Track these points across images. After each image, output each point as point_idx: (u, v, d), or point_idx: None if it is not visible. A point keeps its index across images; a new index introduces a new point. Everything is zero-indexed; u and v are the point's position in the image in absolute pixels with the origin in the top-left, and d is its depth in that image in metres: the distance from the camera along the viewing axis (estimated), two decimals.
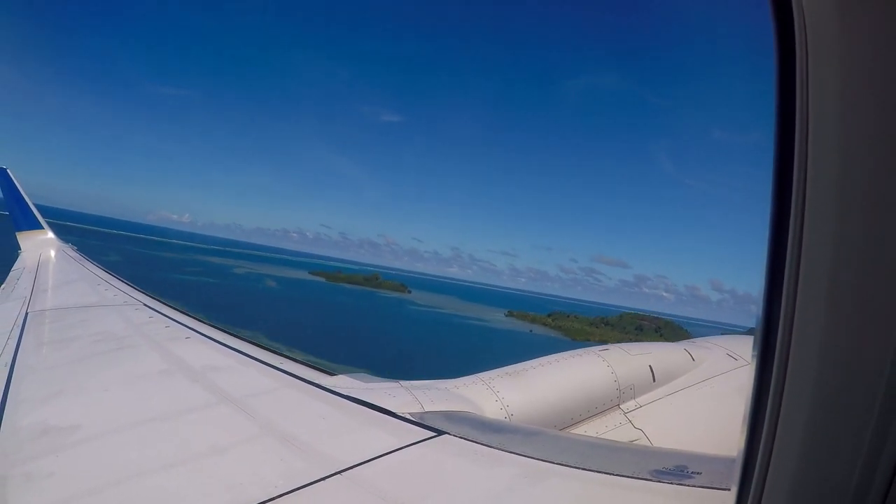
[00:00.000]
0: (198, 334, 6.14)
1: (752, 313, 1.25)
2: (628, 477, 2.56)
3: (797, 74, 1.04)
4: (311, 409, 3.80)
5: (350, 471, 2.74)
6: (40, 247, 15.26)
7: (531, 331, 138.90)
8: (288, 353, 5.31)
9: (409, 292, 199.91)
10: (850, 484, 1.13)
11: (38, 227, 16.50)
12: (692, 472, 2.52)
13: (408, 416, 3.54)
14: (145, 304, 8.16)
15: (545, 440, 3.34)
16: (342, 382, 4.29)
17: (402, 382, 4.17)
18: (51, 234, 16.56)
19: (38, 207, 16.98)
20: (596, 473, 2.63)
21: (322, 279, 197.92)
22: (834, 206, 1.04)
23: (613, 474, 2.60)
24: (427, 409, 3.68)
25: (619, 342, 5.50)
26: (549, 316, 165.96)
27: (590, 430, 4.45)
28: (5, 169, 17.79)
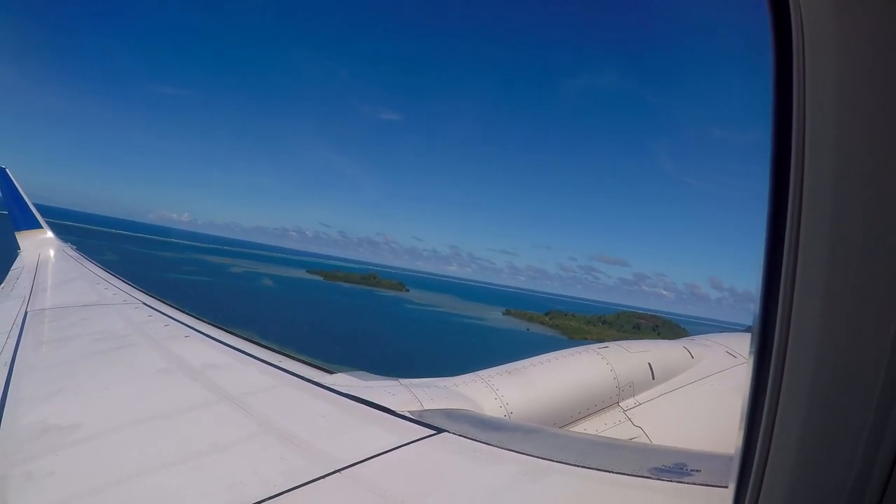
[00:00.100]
0: (197, 333, 6.14)
1: (752, 311, 1.24)
2: (627, 475, 2.56)
3: (794, 74, 1.04)
4: (311, 407, 3.80)
5: (349, 469, 2.74)
6: (39, 246, 15.25)
7: (528, 329, 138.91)
8: (287, 352, 5.31)
9: (407, 291, 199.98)
10: (847, 481, 1.13)
11: (38, 226, 16.48)
12: (691, 470, 2.53)
13: (407, 415, 3.55)
14: (144, 303, 8.16)
15: (544, 438, 3.35)
16: (341, 381, 4.29)
17: (401, 381, 4.17)
18: (50, 234, 16.55)
19: (37, 207, 16.96)
20: (595, 471, 2.64)
21: (320, 278, 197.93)
22: (831, 205, 1.04)
23: (613, 472, 2.60)
24: (426, 407, 3.68)
25: (615, 341, 5.51)
26: (546, 314, 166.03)
27: (589, 427, 4.46)
28: (4, 168, 17.76)
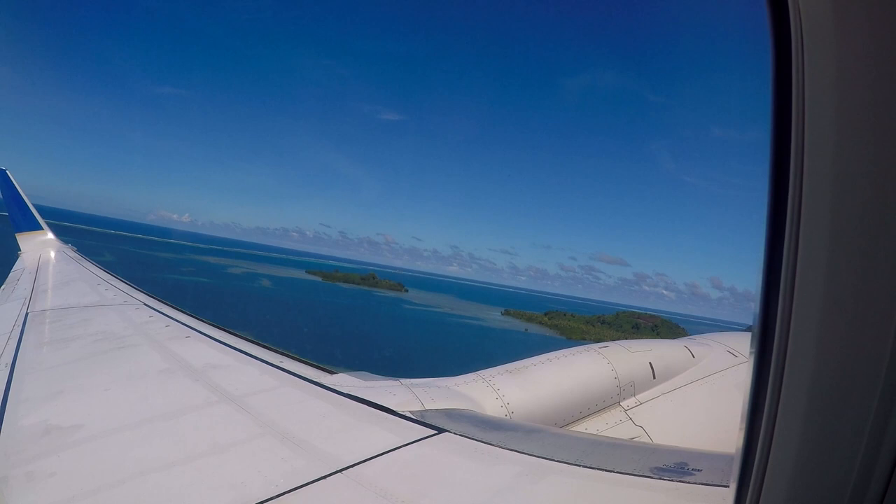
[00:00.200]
0: (198, 333, 6.14)
1: (752, 311, 1.25)
2: (629, 474, 2.56)
3: (793, 73, 1.04)
4: (312, 407, 3.80)
5: (351, 469, 2.75)
6: (40, 247, 15.27)
7: (526, 330, 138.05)
8: (288, 352, 5.31)
9: (406, 291, 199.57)
10: (848, 480, 1.14)
11: (38, 227, 16.49)
12: (692, 469, 2.53)
13: (408, 414, 3.55)
14: (145, 304, 8.17)
15: (545, 438, 3.35)
16: (342, 381, 4.29)
17: (402, 380, 4.17)
18: (50, 235, 16.56)
19: (37, 208, 16.97)
20: (596, 471, 2.64)
21: (318, 278, 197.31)
22: (830, 205, 1.05)
23: (614, 471, 2.61)
24: (427, 406, 3.69)
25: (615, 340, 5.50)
26: (545, 315, 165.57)
27: (590, 427, 4.46)
28: (5, 170, 17.77)
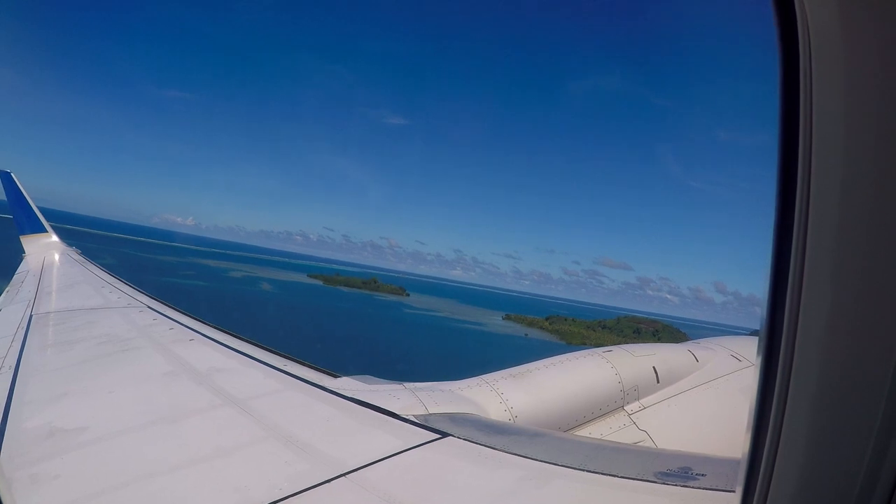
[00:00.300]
0: (202, 336, 6.15)
1: (757, 315, 1.24)
2: (632, 479, 2.56)
3: (800, 76, 1.04)
4: (316, 411, 3.80)
5: (354, 473, 2.75)
6: (44, 250, 15.32)
7: (526, 335, 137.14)
8: (291, 356, 5.31)
9: (408, 295, 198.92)
10: (854, 486, 1.13)
11: (42, 230, 16.55)
12: (696, 474, 2.52)
13: (412, 419, 3.54)
14: (149, 307, 8.19)
15: (549, 442, 3.34)
16: (346, 384, 4.29)
17: (405, 384, 4.17)
18: (55, 237, 16.62)
19: (41, 210, 17.04)
20: (600, 475, 2.64)
21: (320, 282, 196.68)
22: (838, 210, 1.04)
23: (618, 476, 2.60)
24: (431, 411, 3.68)
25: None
26: (546, 319, 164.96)
27: (594, 431, 4.44)
28: (9, 172, 17.87)
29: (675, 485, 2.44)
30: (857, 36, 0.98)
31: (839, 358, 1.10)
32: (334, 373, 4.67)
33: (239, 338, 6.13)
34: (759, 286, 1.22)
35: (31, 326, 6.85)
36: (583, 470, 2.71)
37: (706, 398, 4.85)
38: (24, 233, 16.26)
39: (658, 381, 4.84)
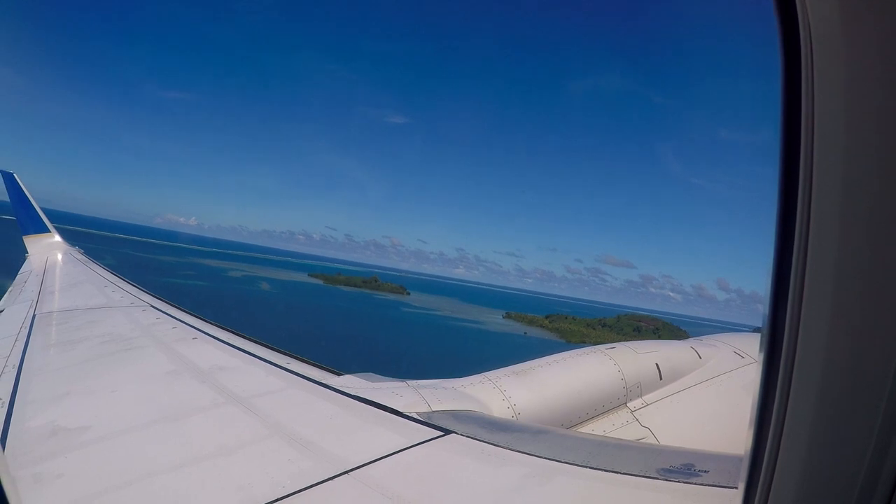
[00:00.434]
0: (205, 335, 6.16)
1: (759, 312, 1.25)
2: (635, 475, 2.56)
3: (802, 75, 1.05)
4: (319, 408, 3.81)
5: (358, 470, 2.75)
6: (47, 250, 15.36)
7: (525, 333, 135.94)
8: (294, 354, 5.32)
9: (408, 294, 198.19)
10: (856, 483, 1.14)
11: (45, 230, 16.60)
12: (699, 471, 2.52)
13: (415, 416, 3.55)
14: (152, 306, 8.20)
15: (552, 439, 3.34)
16: (349, 382, 4.30)
17: (409, 382, 4.17)
18: (57, 238, 16.67)
19: (43, 211, 17.09)
20: (603, 472, 2.64)
21: (320, 281, 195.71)
22: (840, 207, 1.05)
23: (620, 473, 2.60)
24: (434, 408, 3.68)
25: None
26: (546, 318, 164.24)
27: (597, 428, 4.44)
28: (12, 173, 17.91)
29: (678, 481, 2.44)
30: (858, 32, 0.98)
31: (841, 355, 1.10)
32: (337, 371, 4.68)
33: (242, 336, 6.14)
34: (761, 283, 1.23)
35: (34, 326, 6.88)
36: (586, 467, 2.71)
37: (709, 395, 4.85)
38: (27, 233, 16.31)
39: (661, 378, 4.83)
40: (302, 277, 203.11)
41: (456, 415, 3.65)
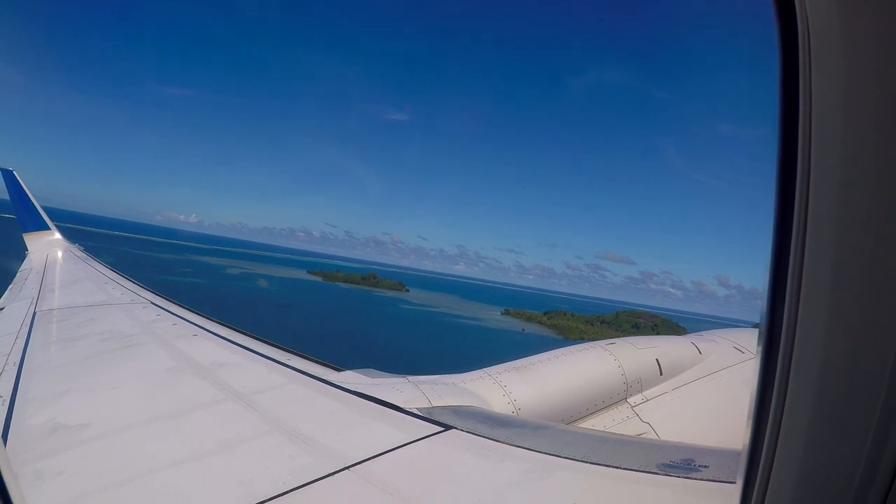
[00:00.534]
0: (205, 332, 6.17)
1: (759, 309, 1.25)
2: (636, 471, 2.57)
3: (800, 72, 1.05)
4: (319, 404, 3.81)
5: (358, 466, 2.75)
6: (47, 247, 15.35)
7: (523, 330, 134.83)
8: (295, 350, 5.33)
9: (407, 291, 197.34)
10: (853, 478, 1.14)
11: (45, 227, 16.59)
12: (699, 466, 2.53)
13: (415, 412, 3.55)
14: (152, 303, 8.20)
15: (552, 434, 3.35)
16: (349, 378, 4.30)
17: (409, 378, 4.18)
18: (57, 235, 16.65)
19: (43, 209, 17.07)
20: (603, 467, 2.65)
21: (319, 278, 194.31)
22: (837, 204, 1.05)
23: (621, 468, 2.61)
24: (434, 404, 3.69)
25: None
26: (545, 314, 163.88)
27: (597, 423, 4.45)
28: (12, 171, 17.89)
29: (678, 476, 2.45)
30: (856, 25, 0.98)
31: (838, 352, 1.10)
32: (337, 367, 4.68)
33: (242, 333, 6.14)
34: (761, 280, 1.23)
35: (34, 323, 6.88)
36: (586, 462, 2.72)
37: (709, 390, 4.86)
38: (26, 230, 16.30)
39: (661, 374, 4.84)
40: (300, 274, 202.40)
41: (456, 410, 3.65)
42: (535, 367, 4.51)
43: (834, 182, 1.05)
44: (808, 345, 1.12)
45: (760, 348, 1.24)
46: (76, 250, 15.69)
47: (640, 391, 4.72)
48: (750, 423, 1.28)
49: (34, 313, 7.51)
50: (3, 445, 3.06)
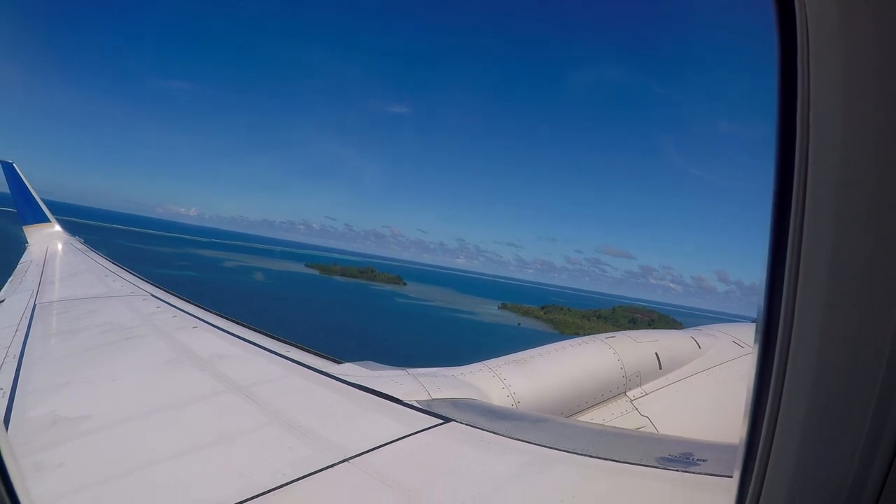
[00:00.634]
0: (205, 324, 6.17)
1: (757, 304, 1.26)
2: (634, 464, 2.58)
3: (798, 70, 1.05)
4: (319, 397, 3.82)
5: (358, 458, 2.76)
6: (47, 240, 15.34)
7: (519, 324, 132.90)
8: (295, 342, 5.33)
9: (404, 284, 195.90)
10: (849, 471, 1.15)
11: (45, 220, 16.57)
12: (698, 460, 2.53)
13: (415, 404, 3.56)
14: (152, 295, 8.21)
15: (552, 427, 3.36)
16: (349, 370, 4.31)
17: (408, 370, 4.19)
18: (57, 227, 16.64)
19: (43, 202, 17.04)
20: (602, 460, 2.65)
21: (316, 272, 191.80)
22: (834, 201, 1.06)
23: (620, 461, 2.62)
24: (434, 396, 3.70)
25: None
26: (541, 308, 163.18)
27: (596, 417, 4.46)
28: (12, 163, 17.85)
29: (677, 470, 2.45)
30: (855, 24, 0.98)
31: (835, 347, 1.11)
32: (337, 359, 4.69)
33: (242, 325, 6.15)
34: (760, 276, 1.23)
35: (34, 316, 6.88)
36: (585, 455, 2.72)
37: (708, 384, 4.86)
38: (26, 223, 16.29)
39: (660, 368, 4.85)
40: (298, 268, 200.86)
41: (456, 403, 3.66)
42: (535, 361, 4.51)
43: (832, 181, 1.05)
44: (805, 341, 1.13)
45: (757, 345, 1.25)
46: (76, 243, 15.69)
47: (640, 385, 4.73)
48: (747, 417, 1.29)
49: (34, 305, 7.52)
50: (5, 431, 3.07)
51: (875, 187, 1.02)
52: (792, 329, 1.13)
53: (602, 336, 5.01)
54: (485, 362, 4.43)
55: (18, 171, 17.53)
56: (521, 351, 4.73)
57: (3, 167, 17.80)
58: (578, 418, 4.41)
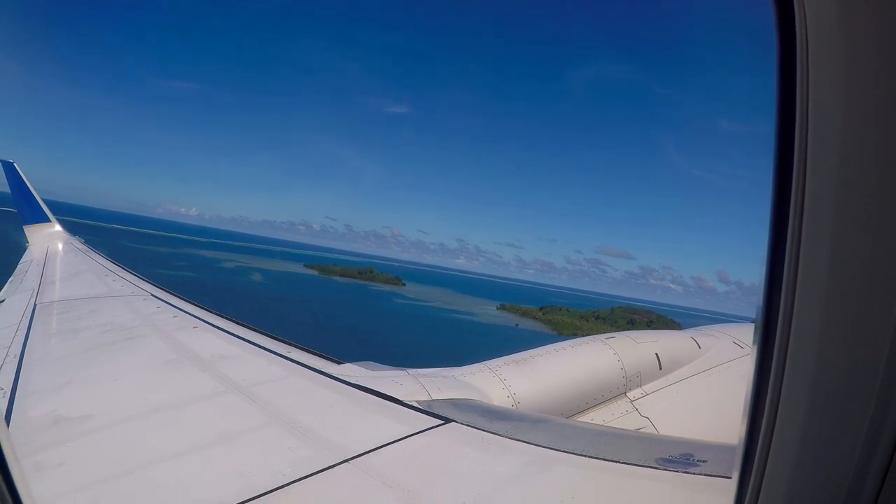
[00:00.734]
0: (205, 324, 6.17)
1: (756, 305, 1.26)
2: (634, 465, 2.58)
3: (798, 70, 1.05)
4: (319, 397, 3.82)
5: (358, 459, 2.76)
6: (48, 240, 15.33)
7: (517, 325, 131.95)
8: (295, 343, 5.33)
9: (403, 285, 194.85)
10: (848, 471, 1.15)
11: (46, 219, 16.56)
12: (698, 461, 2.54)
13: (415, 405, 3.56)
14: (153, 295, 8.20)
15: (552, 428, 3.36)
16: (349, 371, 4.31)
17: (409, 370, 4.19)
18: (58, 227, 16.63)
19: (44, 202, 17.02)
20: (602, 461, 2.65)
21: (315, 272, 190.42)
22: (833, 201, 1.06)
23: (620, 462, 2.62)
24: (434, 397, 3.70)
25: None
26: (540, 309, 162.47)
27: (596, 417, 4.46)
28: (12, 163, 17.84)
29: (677, 471, 2.45)
30: (854, 24, 0.98)
31: (833, 348, 1.11)
32: (338, 359, 4.69)
33: (243, 325, 6.14)
34: (759, 276, 1.23)
35: (35, 316, 6.88)
36: (585, 456, 2.72)
37: (708, 385, 4.86)
38: (27, 223, 16.27)
39: (661, 368, 4.85)
40: (297, 268, 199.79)
41: (456, 403, 3.66)
42: (535, 361, 4.52)
43: (831, 181, 1.05)
44: (804, 342, 1.13)
45: (756, 344, 1.25)
46: (77, 242, 15.69)
47: (640, 385, 4.73)
48: (745, 418, 1.29)
49: (35, 305, 7.52)
50: (7, 431, 3.08)
51: (875, 187, 1.02)
52: (791, 329, 1.13)
53: (602, 336, 5.01)
54: (485, 363, 4.43)
55: (19, 170, 17.52)
56: (519, 352, 4.73)
57: (3, 166, 17.78)
58: (579, 419, 4.42)
